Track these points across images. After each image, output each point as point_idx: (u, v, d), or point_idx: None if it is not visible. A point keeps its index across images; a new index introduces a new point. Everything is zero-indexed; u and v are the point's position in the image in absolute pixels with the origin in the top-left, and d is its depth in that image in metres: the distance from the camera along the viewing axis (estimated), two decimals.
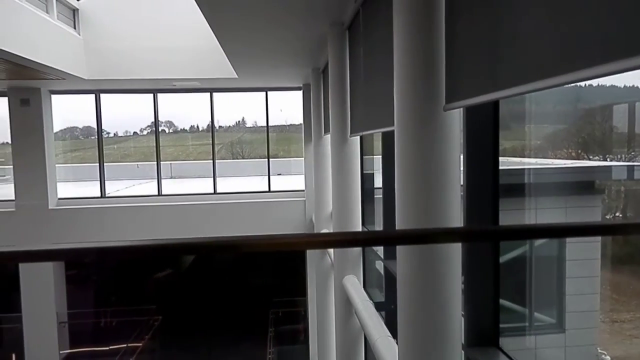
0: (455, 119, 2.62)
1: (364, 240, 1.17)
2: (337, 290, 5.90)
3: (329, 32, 5.68)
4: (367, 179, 6.53)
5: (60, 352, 10.76)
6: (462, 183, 2.76)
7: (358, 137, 5.91)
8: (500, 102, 2.80)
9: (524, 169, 4.49)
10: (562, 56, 1.59)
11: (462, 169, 2.77)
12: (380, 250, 5.71)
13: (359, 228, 6.08)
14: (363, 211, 6.24)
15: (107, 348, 10.92)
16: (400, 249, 2.90)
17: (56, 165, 10.99)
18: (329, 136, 6.68)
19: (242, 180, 13.96)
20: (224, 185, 11.90)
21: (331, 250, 7.27)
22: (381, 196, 5.68)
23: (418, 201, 2.70)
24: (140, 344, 10.92)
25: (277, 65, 8.72)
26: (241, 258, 14.12)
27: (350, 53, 5.54)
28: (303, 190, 11.33)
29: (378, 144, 6.11)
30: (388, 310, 5.34)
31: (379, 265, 6.13)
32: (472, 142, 2.94)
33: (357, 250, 5.89)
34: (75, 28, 9.48)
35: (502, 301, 2.97)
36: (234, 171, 14.90)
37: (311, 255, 10.39)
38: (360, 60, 4.96)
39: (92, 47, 9.60)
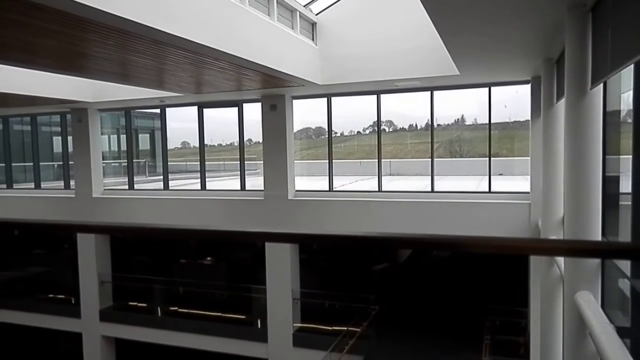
0: None
1: (605, 251, 1.03)
2: (567, 307, 5.23)
3: (566, 16, 5.06)
4: (609, 182, 5.58)
5: (294, 324, 12.38)
6: None
7: (600, 120, 5.06)
8: None
9: None
10: None
11: None
12: (625, 265, 4.84)
13: (598, 238, 5.27)
14: (604, 219, 5.36)
15: (330, 328, 12.00)
16: None
17: (294, 161, 12.65)
18: (561, 121, 5.93)
19: (460, 180, 13.58)
20: (441, 184, 11.79)
21: (561, 261, 6.48)
22: (629, 203, 4.79)
23: None
24: (358, 330, 11.69)
25: (502, 59, 8.19)
26: (458, 258, 13.78)
27: (593, 34, 4.83)
28: (528, 193, 10.38)
29: (626, 142, 5.17)
30: (634, 339, 4.49)
31: (623, 284, 5.20)
32: None
33: (595, 263, 5.11)
34: (313, 39, 10.72)
35: None
36: (451, 170, 14.59)
37: (535, 263, 9.45)
38: (606, 41, 4.28)
39: (325, 54, 10.71)
